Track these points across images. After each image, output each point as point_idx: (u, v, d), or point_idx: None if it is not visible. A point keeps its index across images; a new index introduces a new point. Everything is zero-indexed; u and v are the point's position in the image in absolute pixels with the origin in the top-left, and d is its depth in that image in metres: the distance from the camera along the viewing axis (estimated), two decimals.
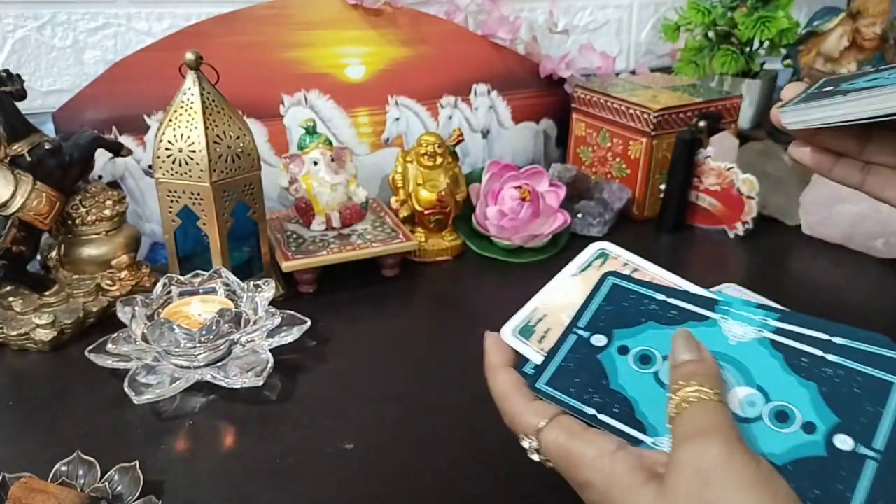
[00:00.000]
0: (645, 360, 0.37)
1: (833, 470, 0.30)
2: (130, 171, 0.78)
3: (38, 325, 0.60)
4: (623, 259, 0.43)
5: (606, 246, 0.44)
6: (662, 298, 0.39)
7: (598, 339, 0.38)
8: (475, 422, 0.51)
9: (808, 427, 0.32)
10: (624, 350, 0.37)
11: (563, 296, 0.41)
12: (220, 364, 0.56)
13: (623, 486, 0.31)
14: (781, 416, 0.32)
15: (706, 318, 0.38)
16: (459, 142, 0.82)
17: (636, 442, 0.33)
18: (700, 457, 0.29)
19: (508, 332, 0.39)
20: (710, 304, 0.38)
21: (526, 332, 0.39)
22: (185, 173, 0.63)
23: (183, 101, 0.63)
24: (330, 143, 0.76)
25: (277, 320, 0.59)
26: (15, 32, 0.75)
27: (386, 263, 0.75)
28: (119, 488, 0.45)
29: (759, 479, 0.28)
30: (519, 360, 0.39)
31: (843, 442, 0.31)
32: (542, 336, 0.39)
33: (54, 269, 0.68)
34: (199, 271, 0.63)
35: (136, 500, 0.44)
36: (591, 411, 0.35)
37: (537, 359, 0.38)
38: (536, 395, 0.36)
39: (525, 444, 0.35)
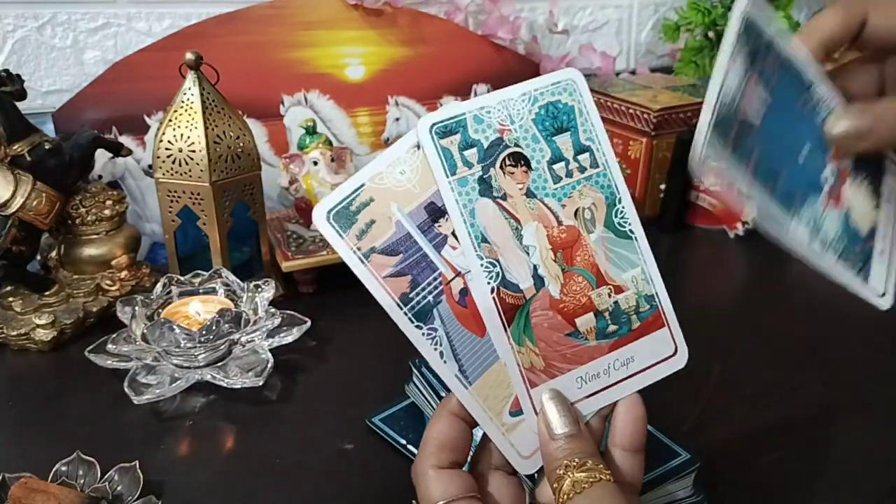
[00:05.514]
0: None
1: None
2: (130, 171, 0.78)
3: (38, 325, 0.60)
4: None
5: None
6: None
7: None
8: None
9: None
10: None
11: (398, 177, 0.32)
12: (220, 364, 0.56)
13: None
14: None
15: None
16: None
17: None
18: None
19: (322, 214, 0.32)
20: None
21: (345, 217, 0.32)
22: (185, 173, 0.63)
23: (183, 101, 0.63)
24: (330, 143, 0.76)
25: (277, 320, 0.59)
26: (15, 32, 0.75)
27: None
28: (119, 488, 0.45)
29: None
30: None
31: None
32: (363, 229, 0.32)
33: (54, 269, 0.68)
34: (199, 271, 0.63)
35: (136, 500, 0.44)
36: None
37: (350, 258, 0.32)
38: (450, 466, 0.33)
39: None
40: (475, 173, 0.33)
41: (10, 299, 0.63)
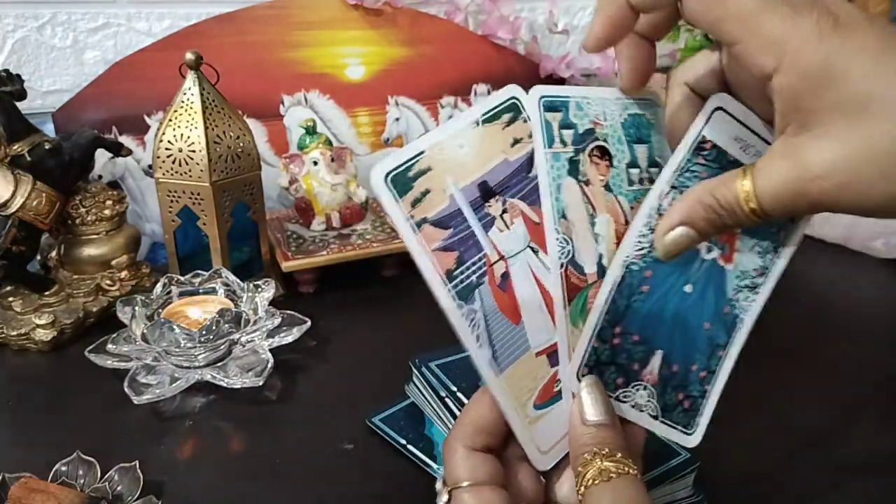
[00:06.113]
0: None
1: None
2: (130, 171, 0.78)
3: (38, 325, 0.60)
4: (531, 126, 0.34)
5: (521, 97, 0.33)
6: None
7: None
8: None
9: None
10: None
11: (456, 150, 0.32)
12: (220, 364, 0.56)
13: None
14: None
15: None
16: None
17: None
18: None
19: (380, 176, 0.31)
20: None
21: (402, 183, 0.31)
22: (185, 173, 0.63)
23: (183, 101, 0.63)
24: (330, 143, 0.76)
25: (277, 320, 0.59)
26: (15, 32, 0.75)
27: (386, 263, 0.75)
28: (119, 488, 0.45)
29: None
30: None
31: None
32: (417, 198, 0.31)
33: (54, 269, 0.68)
34: (199, 271, 0.63)
35: (136, 500, 0.44)
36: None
37: (402, 225, 0.31)
38: (482, 449, 0.33)
39: (437, 485, 0.33)
40: (568, 153, 0.34)
41: (10, 299, 0.63)
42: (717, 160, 0.34)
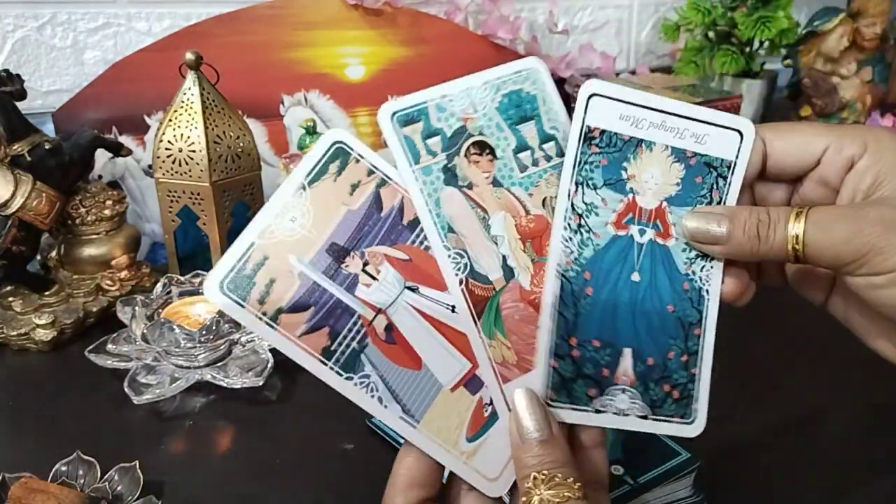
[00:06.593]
0: None
1: None
2: (130, 171, 0.78)
3: (38, 325, 0.60)
4: (367, 162, 0.32)
5: (345, 138, 0.32)
6: None
7: None
8: None
9: None
10: None
11: (289, 225, 0.30)
12: (220, 364, 0.56)
13: None
14: None
15: None
16: None
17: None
18: None
19: (214, 286, 0.29)
20: None
21: (240, 285, 0.29)
22: (185, 173, 0.63)
23: (183, 101, 0.63)
24: None
25: None
26: (15, 32, 0.75)
27: None
28: (119, 488, 0.45)
29: None
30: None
31: None
32: (264, 292, 0.29)
33: (54, 269, 0.68)
34: (199, 271, 0.63)
35: (136, 500, 0.44)
36: None
37: (257, 326, 0.29)
38: (423, 501, 0.31)
39: None
40: (439, 162, 0.32)
41: (10, 299, 0.63)
42: (611, 144, 0.32)
